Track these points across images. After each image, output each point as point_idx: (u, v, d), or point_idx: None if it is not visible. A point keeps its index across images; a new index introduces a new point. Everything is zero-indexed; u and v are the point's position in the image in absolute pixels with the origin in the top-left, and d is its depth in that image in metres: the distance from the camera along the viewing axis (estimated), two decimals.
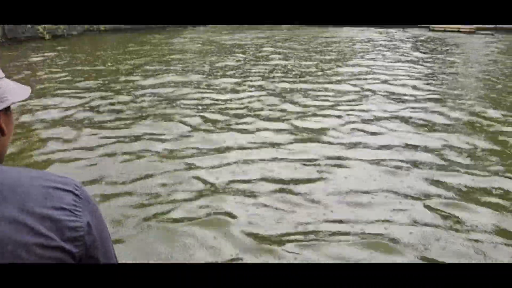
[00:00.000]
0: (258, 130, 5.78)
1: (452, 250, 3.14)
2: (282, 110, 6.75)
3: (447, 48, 13.86)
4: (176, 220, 3.54)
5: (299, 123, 6.12)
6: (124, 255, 2.97)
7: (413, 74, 9.54)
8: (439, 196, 3.96)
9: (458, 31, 17.67)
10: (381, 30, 18.53)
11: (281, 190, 4.03)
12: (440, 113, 6.51)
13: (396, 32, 17.82)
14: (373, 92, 7.83)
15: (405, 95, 7.66)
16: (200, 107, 6.94)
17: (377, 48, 13.52)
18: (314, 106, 6.96)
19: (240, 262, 2.98)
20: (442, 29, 17.98)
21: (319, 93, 7.84)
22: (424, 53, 12.62)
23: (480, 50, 13.44)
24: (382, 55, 12.11)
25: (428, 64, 10.76)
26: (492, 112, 6.57)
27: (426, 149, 5.06)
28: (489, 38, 16.39)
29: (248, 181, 4.21)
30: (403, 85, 8.39)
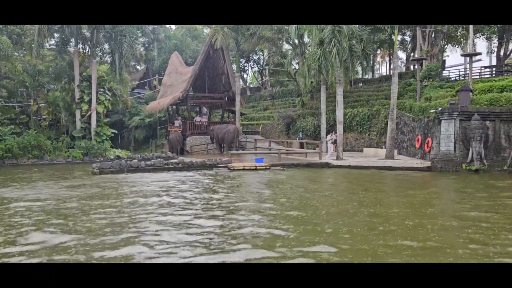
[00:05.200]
0: None
1: None
2: None
3: (243, 179, 15.02)
4: None
5: None
6: None
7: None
8: None
9: (256, 169, 19.65)
10: (185, 175, 19.13)
11: None
12: None
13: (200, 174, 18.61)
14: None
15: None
16: None
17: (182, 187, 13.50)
18: None
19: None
20: (242, 167, 19.73)
21: None
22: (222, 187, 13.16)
23: (266, 179, 15.01)
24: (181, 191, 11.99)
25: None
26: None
27: None
28: (279, 171, 18.73)
29: None
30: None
